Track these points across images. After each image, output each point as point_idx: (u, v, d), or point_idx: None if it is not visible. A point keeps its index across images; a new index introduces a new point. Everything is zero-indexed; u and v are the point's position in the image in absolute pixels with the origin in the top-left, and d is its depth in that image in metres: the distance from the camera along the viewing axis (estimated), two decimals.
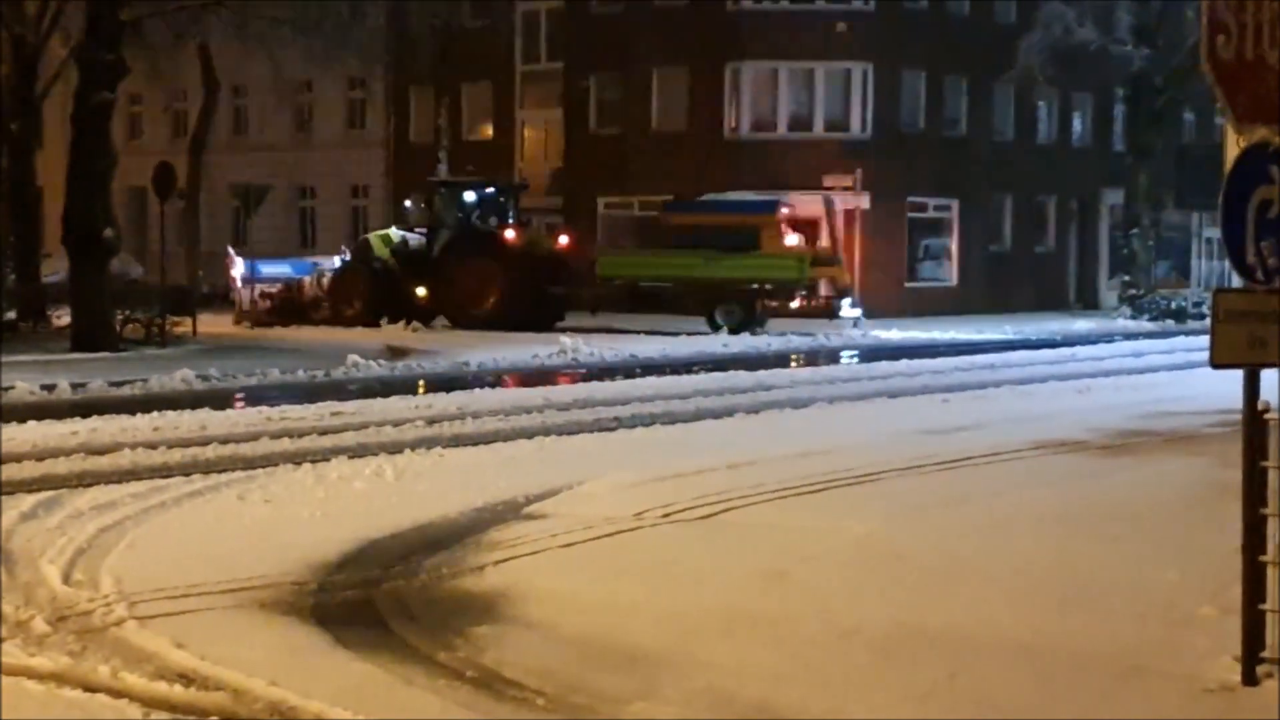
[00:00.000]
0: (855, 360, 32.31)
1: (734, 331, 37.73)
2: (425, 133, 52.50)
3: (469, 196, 40.92)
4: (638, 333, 36.38)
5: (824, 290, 40.24)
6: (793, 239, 40.40)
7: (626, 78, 49.61)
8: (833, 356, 33.64)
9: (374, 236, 42.19)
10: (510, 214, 41.44)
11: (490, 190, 41.67)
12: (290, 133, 58.55)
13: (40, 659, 8.18)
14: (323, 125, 58.23)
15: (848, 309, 39.78)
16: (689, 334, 36.64)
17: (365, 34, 48.47)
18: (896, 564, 10.33)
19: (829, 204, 43.18)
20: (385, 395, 22.79)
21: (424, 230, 40.80)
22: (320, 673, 7.98)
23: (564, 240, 41.43)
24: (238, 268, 40.97)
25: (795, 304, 39.46)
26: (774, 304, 39.61)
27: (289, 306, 40.11)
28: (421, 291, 39.38)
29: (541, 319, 38.27)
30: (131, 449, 16.18)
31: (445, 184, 42.34)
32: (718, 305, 39.20)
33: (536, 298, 39.07)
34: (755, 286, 39.26)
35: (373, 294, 39.49)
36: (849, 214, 44.94)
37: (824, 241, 41.69)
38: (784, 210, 40.79)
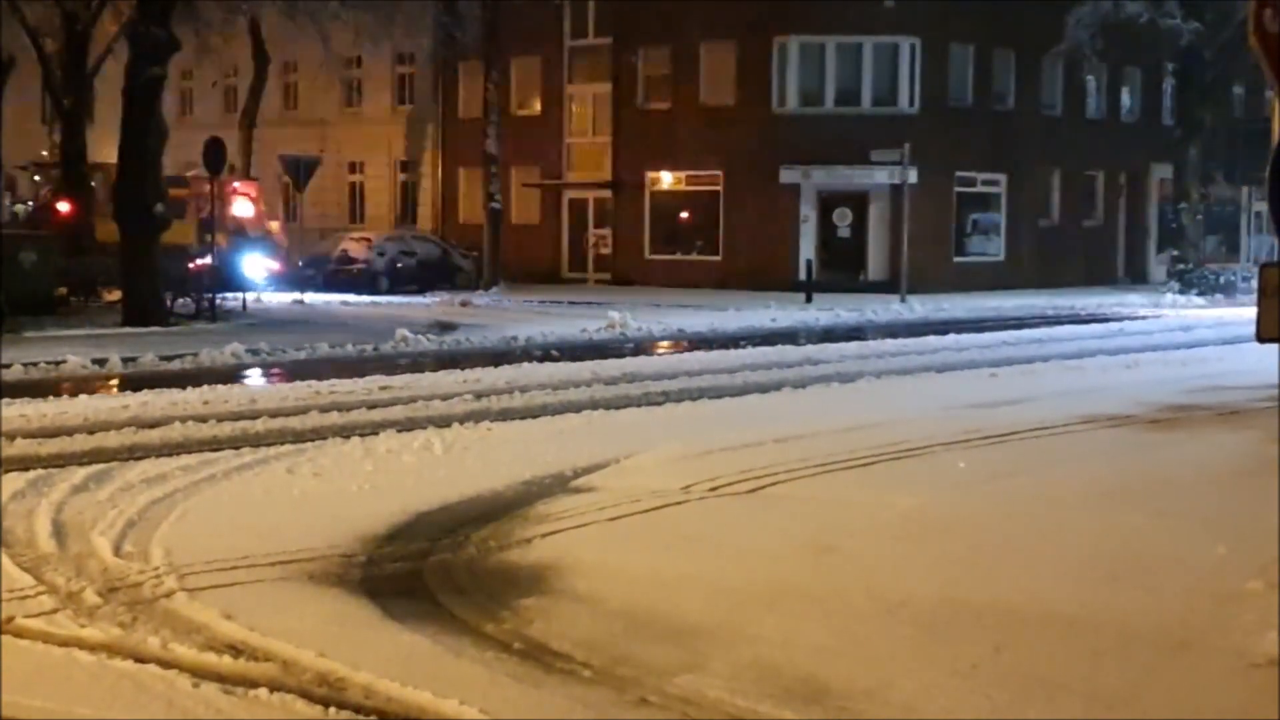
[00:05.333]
0: None
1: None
2: (473, 108, 52.53)
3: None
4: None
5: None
6: (241, 209, 41.16)
7: (674, 52, 49.55)
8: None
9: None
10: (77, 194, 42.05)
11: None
12: (339, 108, 58.73)
13: (91, 630, 8.25)
14: (371, 100, 58.37)
15: (252, 271, 39.42)
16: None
17: (414, 9, 48.60)
18: (943, 538, 10.32)
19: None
20: (434, 369, 22.88)
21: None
22: (369, 644, 8.02)
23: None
24: None
25: (192, 265, 39.64)
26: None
27: None
28: None
29: None
30: (182, 422, 16.30)
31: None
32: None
33: None
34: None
35: None
36: (895, 189, 44.78)
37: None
38: (202, 185, 41.38)
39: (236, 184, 42.49)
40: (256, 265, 36.91)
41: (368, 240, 48.78)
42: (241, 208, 41.84)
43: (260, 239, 38.91)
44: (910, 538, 10.37)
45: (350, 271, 46.57)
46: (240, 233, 40.55)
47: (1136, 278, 54.06)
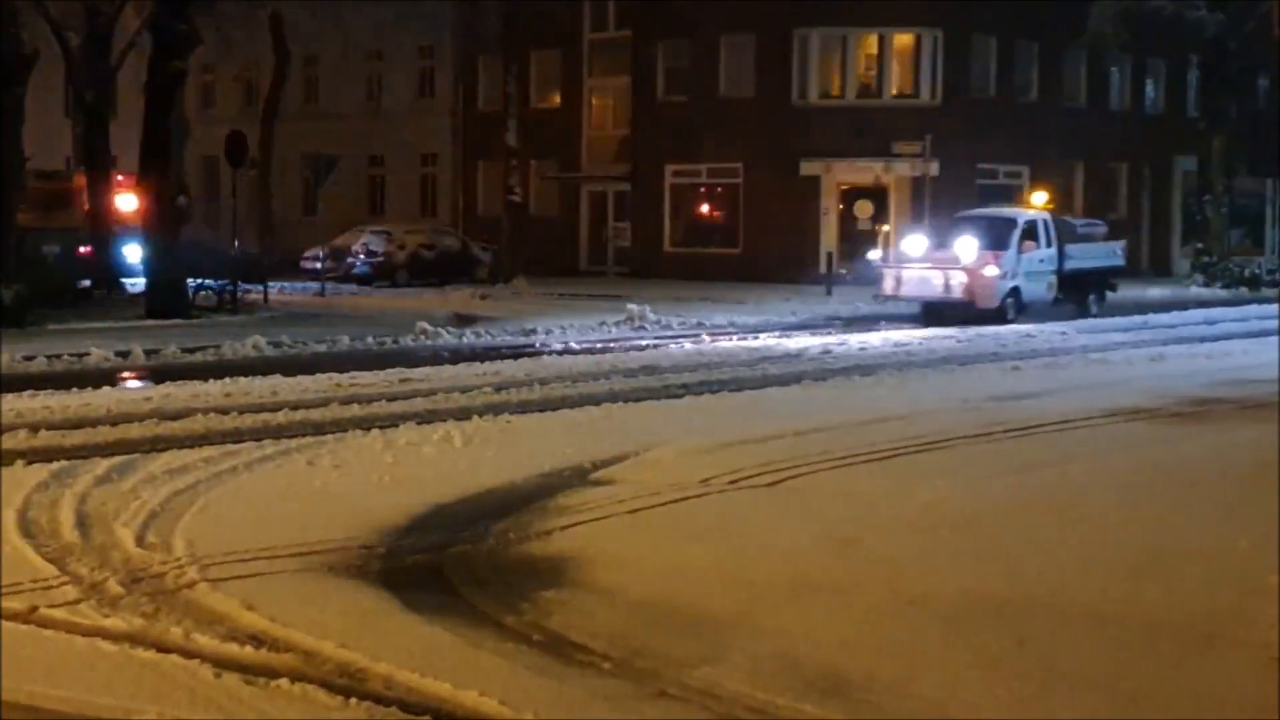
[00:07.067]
0: None
1: None
2: (493, 101, 52.50)
3: None
4: None
5: None
6: (124, 202, 40.22)
7: (694, 45, 49.46)
8: None
9: None
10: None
11: None
12: (360, 102, 58.77)
13: (114, 620, 8.27)
14: (392, 94, 58.39)
15: (133, 259, 37.93)
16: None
17: (434, 4, 48.61)
18: (965, 531, 10.30)
19: None
20: (454, 362, 22.91)
21: None
22: (389, 635, 8.03)
23: None
24: None
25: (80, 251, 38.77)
26: None
27: None
28: None
29: None
30: (204, 414, 16.32)
31: None
32: None
33: None
34: None
35: None
36: (917, 181, 44.65)
37: None
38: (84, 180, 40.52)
39: (120, 178, 42.59)
40: (137, 253, 37.16)
41: (388, 233, 48.84)
42: (124, 201, 42.08)
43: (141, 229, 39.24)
44: (931, 531, 10.36)
45: (370, 264, 46.69)
46: (122, 224, 40.72)
47: (1160, 271, 53.88)
